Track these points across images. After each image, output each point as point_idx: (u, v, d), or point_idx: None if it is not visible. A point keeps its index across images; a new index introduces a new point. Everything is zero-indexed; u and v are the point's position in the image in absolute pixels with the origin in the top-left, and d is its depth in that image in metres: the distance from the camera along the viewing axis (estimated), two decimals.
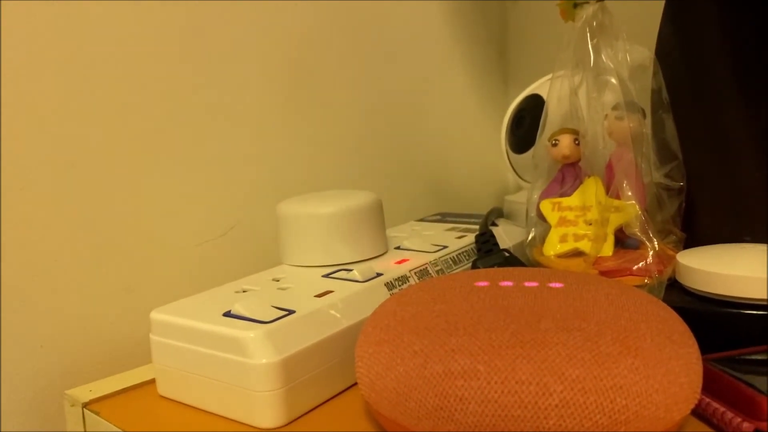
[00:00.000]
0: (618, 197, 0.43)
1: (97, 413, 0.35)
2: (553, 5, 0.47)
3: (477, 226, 0.53)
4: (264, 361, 0.31)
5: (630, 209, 0.42)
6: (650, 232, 0.41)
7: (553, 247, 0.44)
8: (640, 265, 0.40)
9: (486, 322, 0.28)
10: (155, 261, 0.47)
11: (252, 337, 0.31)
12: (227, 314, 0.34)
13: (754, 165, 0.43)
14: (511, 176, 0.62)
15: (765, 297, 0.34)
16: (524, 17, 0.76)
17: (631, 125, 0.43)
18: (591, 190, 0.44)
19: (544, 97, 0.49)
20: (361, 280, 0.39)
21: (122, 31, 0.45)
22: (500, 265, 0.44)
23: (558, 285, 0.32)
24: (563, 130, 0.46)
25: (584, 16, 0.44)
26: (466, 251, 0.47)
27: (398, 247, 0.47)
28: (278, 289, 0.38)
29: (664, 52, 0.46)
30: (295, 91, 0.56)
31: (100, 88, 0.44)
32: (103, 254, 0.44)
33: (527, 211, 0.48)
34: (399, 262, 0.43)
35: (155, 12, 0.46)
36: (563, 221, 0.44)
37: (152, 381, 0.38)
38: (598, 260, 0.42)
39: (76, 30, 0.43)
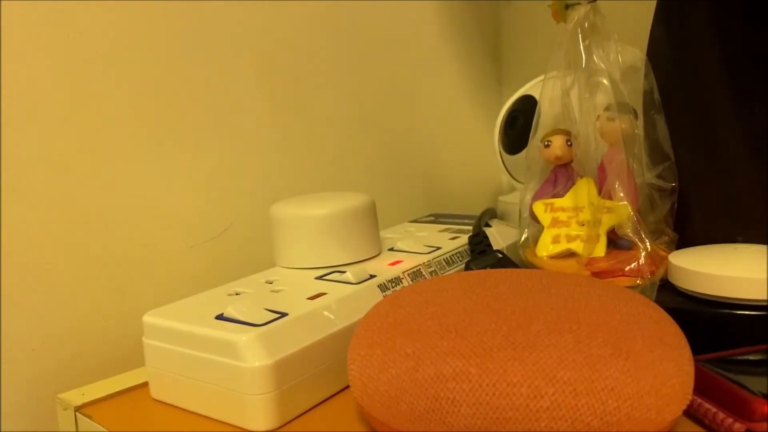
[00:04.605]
0: (610, 198, 0.43)
1: (89, 417, 0.35)
2: (546, 6, 0.47)
3: (470, 227, 0.53)
4: (256, 364, 0.31)
5: (622, 210, 0.42)
6: (642, 233, 0.41)
7: (545, 248, 0.44)
8: (633, 265, 0.40)
9: (478, 325, 0.28)
10: (148, 264, 0.47)
11: (244, 340, 0.31)
12: (220, 317, 0.34)
13: (745, 165, 0.43)
14: (504, 177, 0.63)
15: (757, 297, 0.34)
16: (517, 18, 0.76)
17: (623, 126, 0.43)
18: (583, 190, 0.44)
19: (537, 98, 0.49)
20: (354, 282, 0.39)
21: (112, 36, 0.45)
22: (493, 266, 0.44)
23: (550, 286, 0.32)
24: (555, 131, 0.46)
25: (576, 18, 0.44)
26: (459, 252, 0.47)
27: (392, 249, 0.47)
28: (271, 291, 0.38)
29: (655, 53, 0.46)
30: (287, 93, 0.56)
31: (93, 92, 0.44)
32: (95, 257, 0.44)
33: (520, 212, 0.48)
34: (392, 264, 0.43)
35: (144, 17, 0.46)
36: (556, 222, 0.44)
37: (145, 384, 0.38)
38: (590, 261, 0.42)
39: (65, 36, 0.43)
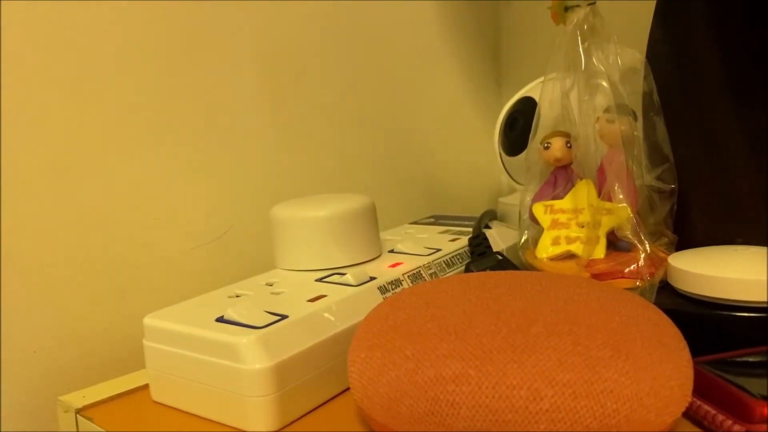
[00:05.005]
0: (610, 200, 0.43)
1: (90, 419, 0.35)
2: (546, 7, 0.47)
3: (470, 229, 0.53)
4: (256, 366, 0.31)
5: (622, 212, 0.42)
6: (642, 235, 0.41)
7: (545, 249, 0.44)
8: (632, 267, 0.40)
9: (478, 327, 0.28)
10: (148, 266, 0.47)
11: (244, 343, 0.31)
12: (220, 319, 0.34)
13: (745, 166, 0.43)
14: (504, 178, 0.63)
15: (756, 299, 0.34)
16: (517, 19, 0.76)
17: (623, 128, 0.43)
18: (583, 192, 0.44)
19: (537, 99, 0.49)
20: (354, 284, 0.39)
21: (113, 36, 0.45)
22: (493, 268, 0.44)
23: (550, 288, 0.32)
24: (555, 133, 0.46)
25: (575, 19, 0.44)
26: (459, 254, 0.47)
27: (392, 251, 0.47)
28: (271, 293, 0.38)
29: (654, 55, 0.46)
30: (287, 95, 0.56)
31: (93, 92, 0.44)
32: (96, 259, 0.44)
33: (520, 213, 0.48)
34: (392, 266, 0.43)
35: (144, 17, 0.46)
36: (555, 224, 0.45)
37: (146, 386, 0.38)
38: (590, 263, 0.42)
39: (65, 36, 0.43)
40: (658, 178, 0.45)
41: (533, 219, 0.46)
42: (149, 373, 0.36)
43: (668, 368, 0.26)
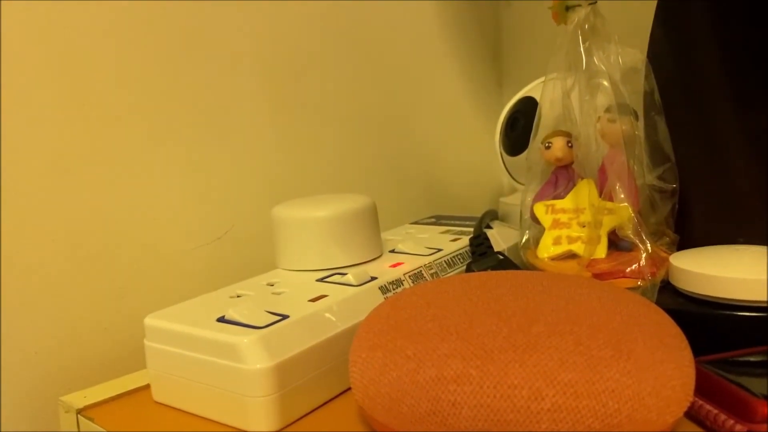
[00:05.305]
0: (611, 199, 0.43)
1: (91, 419, 0.35)
2: (546, 7, 0.47)
3: (471, 229, 0.53)
4: (258, 366, 0.31)
5: (623, 211, 0.42)
6: (643, 234, 0.41)
7: (546, 249, 0.44)
8: (633, 267, 0.40)
9: (479, 327, 0.28)
10: (149, 266, 0.47)
11: (246, 343, 0.31)
12: (221, 320, 0.34)
13: (746, 166, 0.43)
14: (505, 178, 0.63)
15: (757, 299, 0.34)
16: (517, 19, 0.76)
17: (624, 128, 0.43)
18: (584, 192, 0.44)
19: (538, 99, 0.49)
20: (355, 284, 0.39)
21: (112, 36, 0.45)
22: (494, 267, 0.44)
23: (551, 288, 0.32)
24: (556, 133, 0.46)
25: (576, 19, 0.44)
26: (460, 254, 0.47)
27: (393, 251, 0.47)
28: (272, 293, 0.38)
29: (656, 55, 0.46)
30: (288, 95, 0.56)
31: (93, 92, 0.44)
32: (97, 259, 0.44)
33: (521, 213, 0.48)
34: (393, 266, 0.43)
35: (145, 17, 0.46)
36: (557, 224, 0.45)
37: (147, 387, 0.38)
38: (591, 262, 0.42)
39: (65, 36, 0.43)
40: (660, 178, 0.45)
41: (534, 219, 0.46)
42: (150, 374, 0.36)
43: (670, 368, 0.26)
